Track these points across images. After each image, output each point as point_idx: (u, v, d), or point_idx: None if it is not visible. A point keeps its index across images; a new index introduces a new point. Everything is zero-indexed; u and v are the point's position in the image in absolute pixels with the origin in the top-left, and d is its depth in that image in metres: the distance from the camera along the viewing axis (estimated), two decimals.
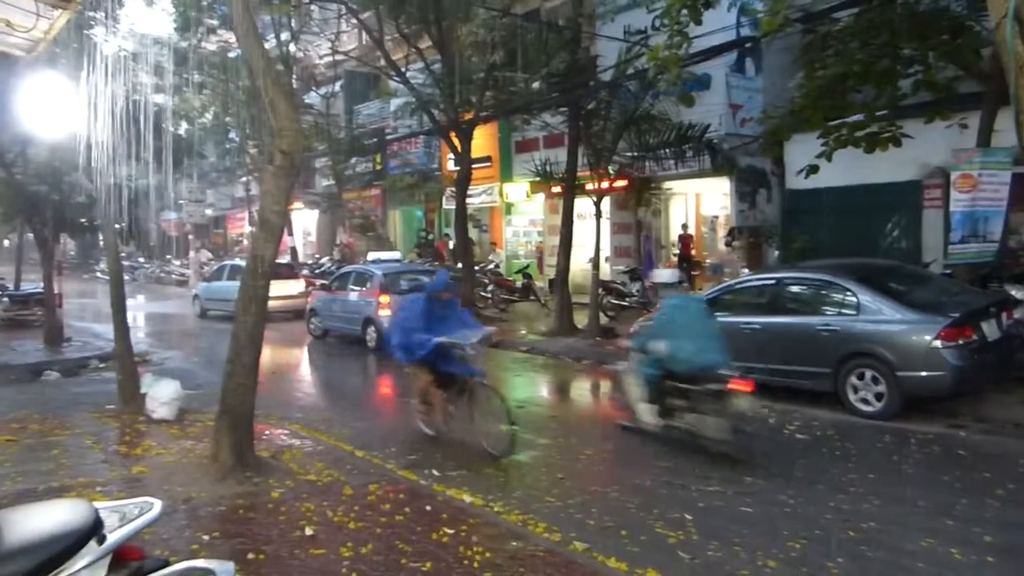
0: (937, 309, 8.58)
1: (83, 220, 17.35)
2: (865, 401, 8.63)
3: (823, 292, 9.56)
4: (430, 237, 26.65)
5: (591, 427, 9.37)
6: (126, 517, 2.82)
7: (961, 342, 8.16)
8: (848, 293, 9.03)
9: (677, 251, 20.54)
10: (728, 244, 18.46)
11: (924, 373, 8.22)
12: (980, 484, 6.41)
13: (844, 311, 9.04)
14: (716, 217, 21.09)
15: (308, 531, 5.43)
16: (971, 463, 7.04)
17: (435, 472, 7.16)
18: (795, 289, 10.02)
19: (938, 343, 8.12)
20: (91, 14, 9.62)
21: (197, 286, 23.61)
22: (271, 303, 7.79)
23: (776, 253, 16.80)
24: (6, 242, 38.02)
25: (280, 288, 18.09)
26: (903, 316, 8.56)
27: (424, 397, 8.32)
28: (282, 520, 5.68)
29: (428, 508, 5.96)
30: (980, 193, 10.00)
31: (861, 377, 8.66)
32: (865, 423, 8.42)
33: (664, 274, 9.45)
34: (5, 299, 19.81)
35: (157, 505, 2.93)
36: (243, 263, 21.72)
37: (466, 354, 7.66)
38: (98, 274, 37.74)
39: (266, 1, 17.50)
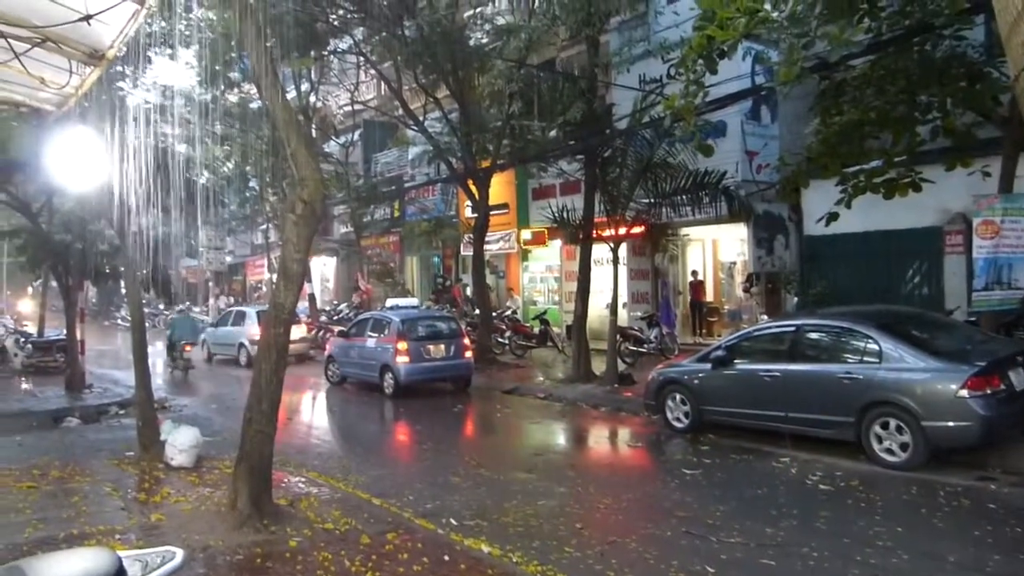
0: (962, 357, 8.46)
1: (105, 268, 17.58)
2: (890, 451, 8.46)
3: (844, 339, 9.46)
4: (447, 283, 26.75)
5: (609, 476, 9.26)
6: (149, 566, 2.81)
7: (988, 391, 8.01)
8: (870, 340, 8.92)
9: (690, 298, 20.55)
10: (746, 290, 18.39)
11: (951, 423, 8.08)
12: (1012, 539, 6.25)
13: (866, 359, 8.92)
14: (733, 263, 21.08)
15: None
16: (1002, 517, 6.86)
17: (452, 521, 7.10)
18: (815, 336, 9.91)
19: (964, 392, 7.97)
20: (120, 69, 9.87)
21: (205, 331, 24.18)
22: None
23: (795, 299, 16.72)
24: (29, 289, 38.57)
25: None
26: (927, 364, 8.45)
27: None
28: (299, 569, 5.62)
29: (446, 558, 5.88)
30: (1003, 239, 9.92)
31: (885, 426, 8.51)
32: (890, 474, 8.26)
33: None
34: (28, 346, 19.98)
35: (179, 554, 2.92)
36: (247, 309, 22.40)
37: None
38: (119, 321, 38.08)
39: (288, 55, 17.87)
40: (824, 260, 16.03)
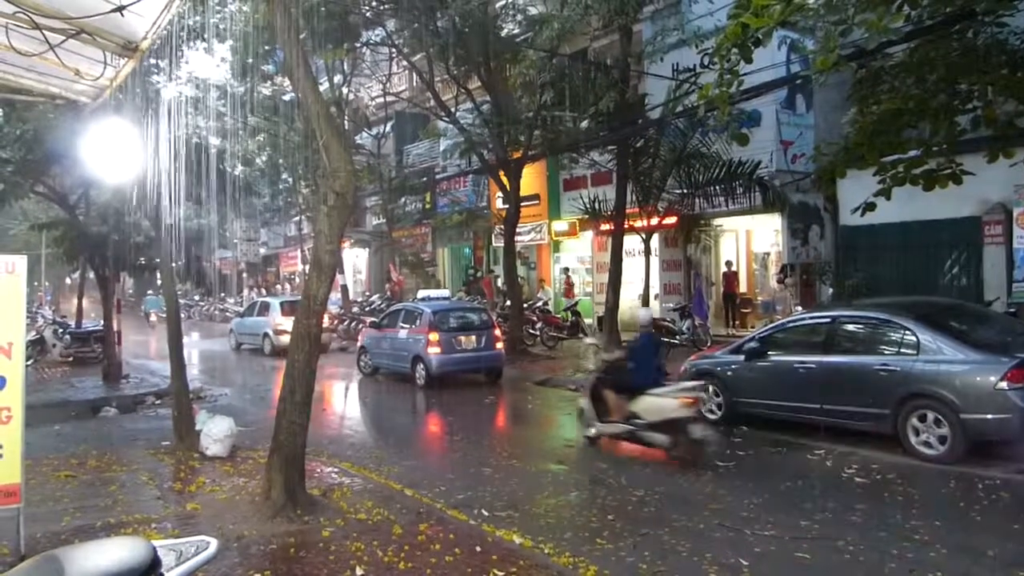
0: (1002, 349, 8.30)
1: (141, 259, 17.84)
2: (927, 444, 8.33)
3: (880, 331, 9.32)
4: (478, 275, 26.79)
5: (642, 467, 9.19)
6: (183, 556, 2.83)
7: None
8: (907, 332, 8.78)
9: (723, 289, 20.36)
10: (780, 281, 18.19)
11: (990, 415, 7.92)
12: None
13: (903, 351, 8.77)
14: (767, 254, 20.86)
15: (358, 571, 5.40)
16: None
17: (484, 512, 7.10)
18: (851, 328, 9.78)
19: (1004, 384, 7.81)
20: (154, 62, 9.98)
21: (233, 321, 24.77)
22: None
23: (830, 291, 16.50)
24: (68, 280, 39.45)
25: None
26: (966, 356, 8.29)
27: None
28: (332, 560, 5.66)
29: (478, 549, 5.89)
30: None
31: (923, 419, 8.37)
32: (928, 467, 8.13)
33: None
34: (66, 336, 20.35)
35: (213, 544, 2.94)
36: (271, 300, 22.94)
37: None
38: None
39: (321, 47, 17.96)
40: (860, 251, 15.80)
